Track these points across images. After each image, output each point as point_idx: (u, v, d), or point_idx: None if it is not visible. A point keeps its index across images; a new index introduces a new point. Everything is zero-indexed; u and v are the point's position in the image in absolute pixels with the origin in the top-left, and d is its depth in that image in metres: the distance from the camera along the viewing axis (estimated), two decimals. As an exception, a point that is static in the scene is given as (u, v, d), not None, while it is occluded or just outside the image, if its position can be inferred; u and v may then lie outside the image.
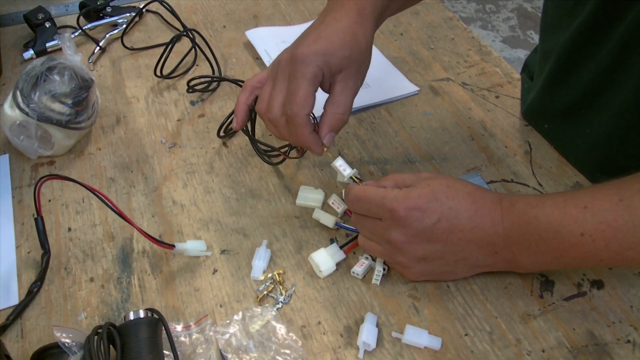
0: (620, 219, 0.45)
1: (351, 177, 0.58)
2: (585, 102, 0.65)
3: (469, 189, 0.53)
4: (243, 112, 0.61)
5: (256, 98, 0.61)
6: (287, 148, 0.65)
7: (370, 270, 0.58)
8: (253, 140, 0.67)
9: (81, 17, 0.90)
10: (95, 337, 0.47)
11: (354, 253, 0.60)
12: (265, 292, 0.56)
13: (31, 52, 0.85)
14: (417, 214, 0.51)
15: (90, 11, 0.91)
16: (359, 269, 0.57)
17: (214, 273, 0.59)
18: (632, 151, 0.62)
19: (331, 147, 0.58)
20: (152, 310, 0.50)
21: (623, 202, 0.46)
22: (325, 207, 0.64)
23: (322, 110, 0.57)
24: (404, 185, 0.54)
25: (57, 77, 0.67)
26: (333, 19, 0.57)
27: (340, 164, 0.58)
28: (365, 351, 0.52)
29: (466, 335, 0.53)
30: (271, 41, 0.87)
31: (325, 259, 0.58)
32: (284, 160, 0.66)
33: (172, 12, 0.92)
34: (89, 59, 0.85)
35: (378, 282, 0.57)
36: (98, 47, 0.86)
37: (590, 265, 0.57)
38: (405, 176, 0.55)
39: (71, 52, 0.69)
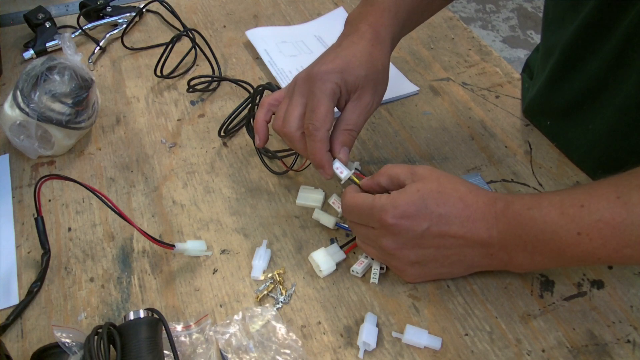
0: (618, 216, 0.45)
1: (350, 179, 0.57)
2: (587, 98, 0.65)
3: (461, 193, 0.52)
4: (264, 130, 0.62)
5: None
6: (287, 153, 0.66)
7: (369, 269, 0.58)
8: (260, 152, 0.68)
9: (81, 17, 0.90)
10: (95, 337, 0.47)
11: (354, 253, 0.60)
12: (265, 292, 0.56)
13: (31, 52, 0.85)
14: (405, 223, 0.50)
15: (90, 11, 0.91)
16: (358, 267, 0.57)
17: (214, 273, 0.59)
18: (634, 147, 0.62)
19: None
20: (152, 310, 0.50)
21: (620, 199, 0.45)
22: (325, 206, 0.64)
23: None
24: (397, 181, 0.53)
25: (57, 77, 0.67)
26: (350, 42, 0.59)
27: (337, 166, 0.57)
28: (365, 351, 0.52)
29: (466, 335, 0.53)
30: (271, 41, 0.87)
31: (325, 258, 0.58)
32: (287, 171, 0.67)
33: (172, 12, 0.92)
34: (89, 59, 0.85)
35: (376, 281, 0.57)
36: (98, 47, 0.86)
37: (588, 264, 0.57)
38: (400, 171, 0.54)
39: (71, 52, 0.69)
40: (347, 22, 0.63)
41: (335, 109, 0.57)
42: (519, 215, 0.50)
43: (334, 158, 0.57)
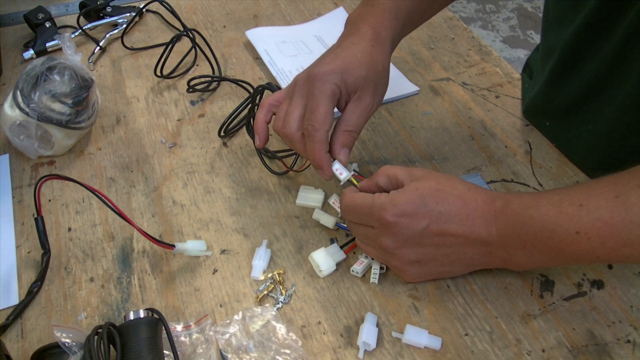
0: (617, 216, 0.45)
1: (349, 180, 0.57)
2: (587, 98, 0.65)
3: (460, 191, 0.52)
4: (264, 130, 0.61)
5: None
6: (287, 153, 0.66)
7: (369, 269, 0.58)
8: (260, 152, 0.69)
9: (81, 17, 0.90)
10: (95, 337, 0.47)
11: (354, 253, 0.60)
12: (265, 292, 0.56)
13: (31, 52, 0.85)
14: (405, 221, 0.50)
15: (91, 11, 0.91)
16: (358, 267, 0.57)
17: (214, 273, 0.59)
18: (634, 147, 0.62)
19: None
20: (152, 310, 0.50)
21: (619, 199, 0.45)
22: (325, 206, 0.64)
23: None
24: (395, 181, 0.53)
25: (57, 77, 0.67)
26: (350, 43, 0.59)
27: (337, 167, 0.57)
28: (365, 351, 0.52)
29: (466, 335, 0.53)
30: (271, 41, 0.87)
31: (325, 258, 0.58)
32: (287, 171, 0.67)
33: (172, 12, 0.92)
34: (89, 59, 0.85)
35: (376, 281, 0.57)
36: (98, 47, 0.86)
37: (586, 262, 0.57)
38: (398, 171, 0.54)
39: (71, 52, 0.69)
40: (348, 23, 0.63)
41: (336, 110, 0.57)
42: (517, 214, 0.50)
43: (334, 159, 0.57)
